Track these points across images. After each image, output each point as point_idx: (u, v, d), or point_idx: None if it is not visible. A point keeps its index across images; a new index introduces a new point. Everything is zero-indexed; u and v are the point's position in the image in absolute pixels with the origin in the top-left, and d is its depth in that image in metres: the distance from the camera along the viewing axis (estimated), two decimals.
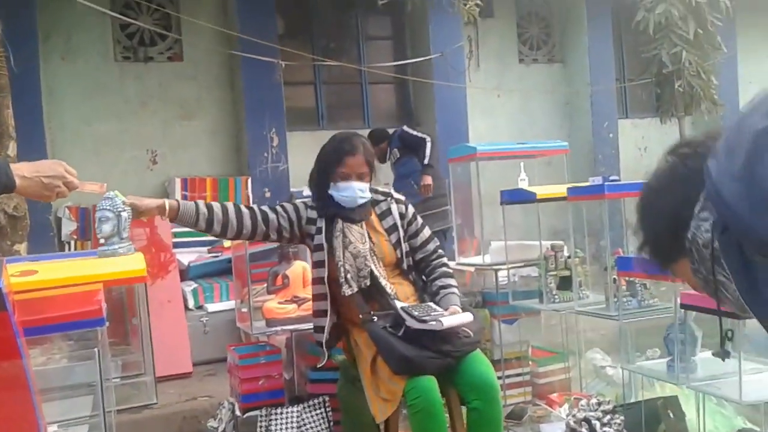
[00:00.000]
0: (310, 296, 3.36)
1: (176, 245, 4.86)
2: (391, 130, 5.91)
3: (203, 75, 6.12)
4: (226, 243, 5.02)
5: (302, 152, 6.28)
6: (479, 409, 2.51)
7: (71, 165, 1.91)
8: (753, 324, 2.53)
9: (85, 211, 4.96)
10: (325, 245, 2.65)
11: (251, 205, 2.77)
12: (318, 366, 2.77)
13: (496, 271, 3.45)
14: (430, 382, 2.46)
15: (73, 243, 5.08)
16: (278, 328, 3.24)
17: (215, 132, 6.16)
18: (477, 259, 3.76)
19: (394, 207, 2.78)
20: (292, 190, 5.93)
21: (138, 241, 4.25)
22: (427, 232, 2.82)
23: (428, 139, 5.47)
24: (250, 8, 5.90)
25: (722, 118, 7.45)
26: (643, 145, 7.83)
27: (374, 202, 2.76)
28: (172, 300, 4.40)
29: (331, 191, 2.67)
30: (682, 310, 2.57)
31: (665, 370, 2.68)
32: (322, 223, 2.68)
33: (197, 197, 5.44)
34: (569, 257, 3.31)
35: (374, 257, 2.65)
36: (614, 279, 3.08)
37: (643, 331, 3.18)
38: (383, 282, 2.63)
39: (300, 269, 3.46)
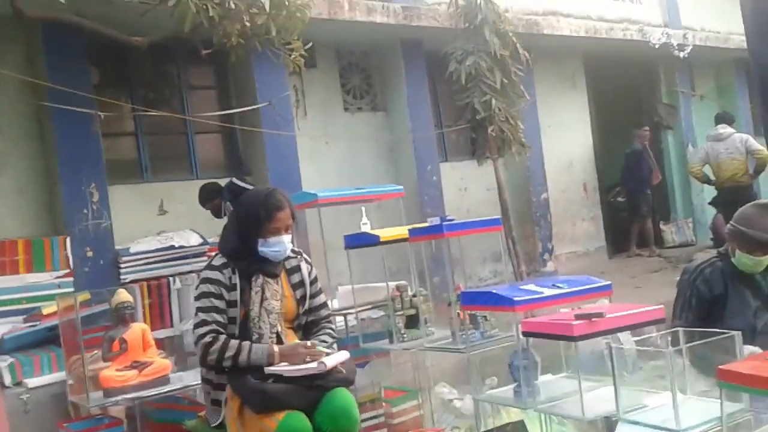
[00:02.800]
0: (152, 360, 3.18)
1: None
2: (223, 182, 5.78)
3: (8, 127, 5.59)
4: (45, 310, 4.60)
5: (126, 206, 5.95)
6: None
7: None
8: (582, 345, 2.76)
9: None
10: (239, 301, 2.68)
11: (219, 330, 2.69)
12: (213, 425, 2.69)
13: (345, 315, 3.47)
14: (302, 425, 2.44)
15: None
16: (119, 398, 3.00)
17: (24, 189, 5.63)
18: None
19: (303, 265, 2.90)
20: (117, 247, 5.56)
21: None
22: (323, 297, 2.97)
23: None
24: (61, 57, 5.52)
25: (529, 158, 8.19)
26: (463, 186, 8.34)
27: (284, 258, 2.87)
28: None
29: (260, 247, 2.70)
30: (524, 338, 2.75)
31: (513, 397, 2.84)
32: (236, 279, 2.69)
33: (8, 262, 4.91)
34: (414, 296, 3.42)
35: (280, 313, 2.75)
36: (458, 313, 3.23)
37: (483, 361, 3.36)
38: (284, 340, 2.72)
39: (139, 331, 3.26)
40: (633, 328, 2.62)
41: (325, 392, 2.58)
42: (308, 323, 2.90)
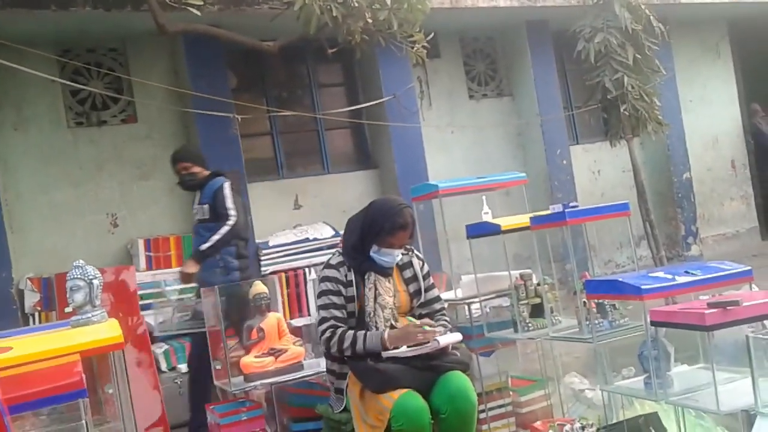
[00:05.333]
0: (287, 347, 3.37)
1: (143, 307, 4.78)
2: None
3: (158, 134, 6.11)
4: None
5: (264, 202, 6.31)
6: (449, 419, 2.58)
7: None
8: (721, 335, 2.61)
9: (47, 282, 4.86)
10: (356, 296, 2.83)
11: (337, 325, 2.85)
12: (337, 411, 2.85)
13: (469, 304, 3.49)
14: (417, 403, 2.49)
15: (37, 315, 4.95)
16: (257, 383, 3.21)
17: (174, 189, 6.10)
18: (448, 295, 3.79)
19: (415, 261, 3.04)
20: (257, 242, 5.91)
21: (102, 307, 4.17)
22: (436, 291, 3.07)
23: (232, 221, 4.29)
24: (201, 66, 5.94)
25: (669, 136, 7.75)
26: (596, 169, 8.05)
27: None
28: (143, 363, 4.31)
29: (372, 253, 2.86)
30: (653, 327, 2.64)
31: (643, 388, 2.74)
32: (352, 276, 2.86)
33: (162, 257, 5.39)
34: (538, 284, 3.37)
35: (394, 307, 2.88)
36: (584, 302, 3.14)
37: (617, 351, 3.24)
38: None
39: (274, 321, 3.45)
40: None
41: (441, 374, 2.64)
42: (423, 316, 2.97)
